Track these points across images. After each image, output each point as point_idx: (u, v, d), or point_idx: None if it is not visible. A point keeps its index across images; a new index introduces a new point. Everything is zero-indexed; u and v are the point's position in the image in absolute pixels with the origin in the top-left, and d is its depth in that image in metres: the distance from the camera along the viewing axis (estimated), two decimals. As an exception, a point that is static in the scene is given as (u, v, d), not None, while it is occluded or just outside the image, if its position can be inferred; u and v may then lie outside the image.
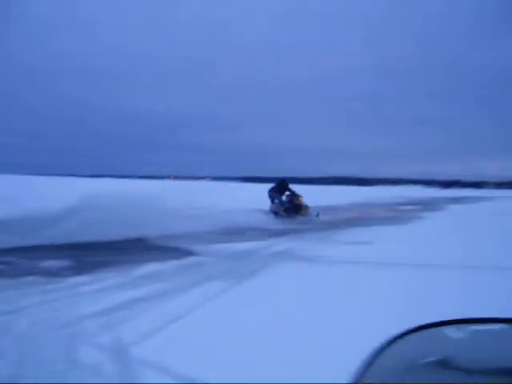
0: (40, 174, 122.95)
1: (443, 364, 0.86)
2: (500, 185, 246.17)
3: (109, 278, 7.54)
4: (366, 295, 6.58)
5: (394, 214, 25.44)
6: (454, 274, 8.18)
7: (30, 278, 7.34)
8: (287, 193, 20.24)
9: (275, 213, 19.57)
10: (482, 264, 9.08)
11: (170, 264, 8.91)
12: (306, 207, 19.90)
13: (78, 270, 8.19)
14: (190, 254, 10.20)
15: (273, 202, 20.18)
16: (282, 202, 19.95)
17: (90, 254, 9.90)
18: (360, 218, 22.03)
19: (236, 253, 10.32)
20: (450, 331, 0.86)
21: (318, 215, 19.62)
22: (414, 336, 0.88)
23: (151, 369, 3.90)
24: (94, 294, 6.54)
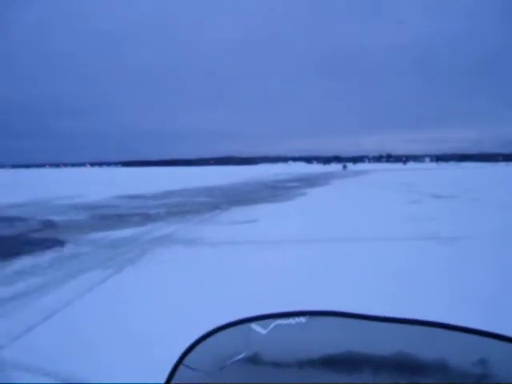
0: None
1: (253, 359, 0.89)
2: (378, 158, 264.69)
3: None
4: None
5: (280, 192, 26.27)
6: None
7: None
8: (345, 165, 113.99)
9: (344, 169, 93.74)
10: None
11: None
12: (347, 168, 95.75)
13: None
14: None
15: (343, 168, 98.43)
16: (344, 167, 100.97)
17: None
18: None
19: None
20: (257, 327, 0.89)
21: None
22: (222, 334, 0.90)
23: (19, 371, 3.70)
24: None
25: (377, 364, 0.87)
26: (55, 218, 14.82)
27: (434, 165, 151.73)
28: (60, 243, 9.84)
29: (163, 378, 0.88)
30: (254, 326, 0.90)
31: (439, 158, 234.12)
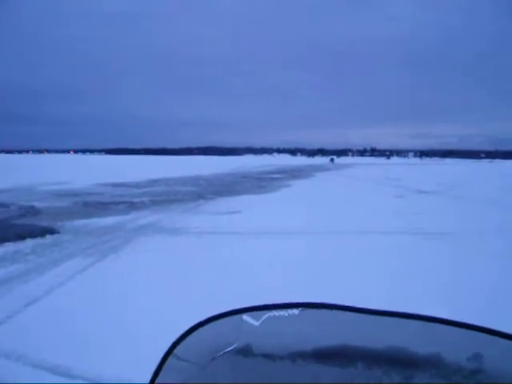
0: None
1: (245, 351, 0.88)
2: (362, 152, 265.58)
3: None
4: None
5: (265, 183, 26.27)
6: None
7: None
8: (332, 158, 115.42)
9: (331, 162, 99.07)
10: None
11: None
12: (334, 161, 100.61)
13: None
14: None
15: (331, 161, 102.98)
16: (331, 160, 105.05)
17: None
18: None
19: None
20: (249, 318, 0.88)
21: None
22: (213, 324, 0.89)
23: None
24: None
25: (370, 358, 0.86)
26: (39, 204, 14.63)
27: (417, 160, 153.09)
28: (43, 230, 9.72)
29: (151, 369, 0.86)
30: (245, 317, 0.88)
31: (423, 154, 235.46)
